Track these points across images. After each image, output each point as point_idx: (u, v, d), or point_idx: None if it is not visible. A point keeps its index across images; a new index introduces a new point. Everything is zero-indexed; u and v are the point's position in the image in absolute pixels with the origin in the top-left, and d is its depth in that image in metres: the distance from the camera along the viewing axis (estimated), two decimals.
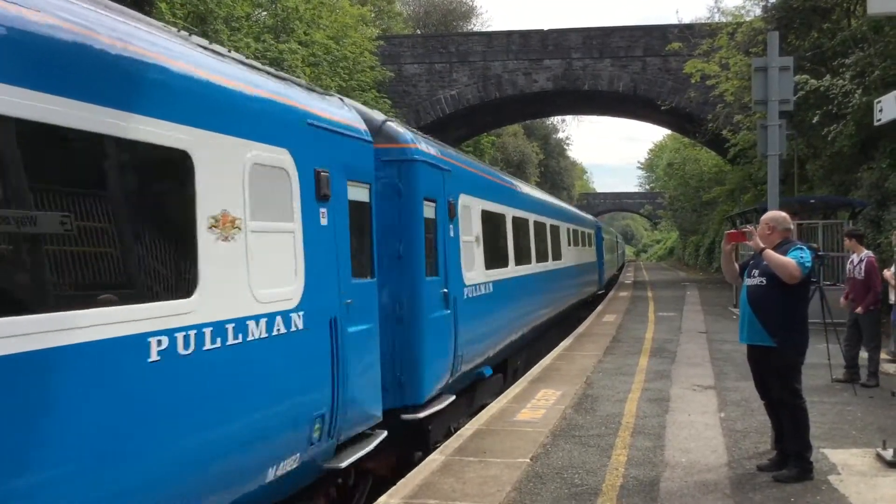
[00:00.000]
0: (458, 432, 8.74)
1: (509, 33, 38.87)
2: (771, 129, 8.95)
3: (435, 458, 7.62)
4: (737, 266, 7.61)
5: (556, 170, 77.91)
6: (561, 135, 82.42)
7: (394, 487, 6.80)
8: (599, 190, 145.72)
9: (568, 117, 75.66)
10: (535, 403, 10.23)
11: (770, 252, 6.94)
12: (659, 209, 79.96)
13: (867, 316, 11.04)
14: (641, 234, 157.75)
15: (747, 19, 26.51)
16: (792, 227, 7.40)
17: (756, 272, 7.14)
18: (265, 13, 30.79)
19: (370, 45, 33.64)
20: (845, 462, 7.30)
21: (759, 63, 8.80)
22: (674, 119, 39.86)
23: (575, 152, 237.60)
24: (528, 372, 12.96)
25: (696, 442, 8.22)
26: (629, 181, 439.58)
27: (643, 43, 37.33)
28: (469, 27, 58.37)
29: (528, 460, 7.55)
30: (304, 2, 30.18)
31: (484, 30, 54.00)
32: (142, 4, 20.10)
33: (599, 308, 26.38)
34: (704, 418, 9.31)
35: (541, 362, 13.95)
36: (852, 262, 11.37)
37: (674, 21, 37.45)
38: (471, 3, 60.87)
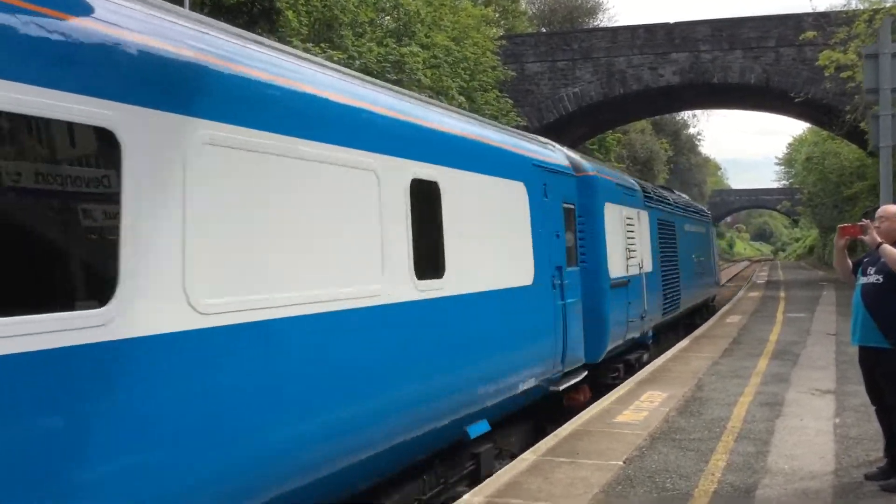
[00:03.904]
0: (554, 432, 8.67)
1: (634, 28, 38.09)
2: (883, 119, 8.39)
3: (525, 458, 7.60)
4: (850, 263, 7.24)
5: (686, 166, 75.76)
6: (692, 130, 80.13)
7: (479, 486, 6.83)
8: (735, 186, 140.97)
9: (699, 112, 73.47)
10: (638, 405, 10.03)
11: (887, 247, 6.56)
12: (798, 205, 76.52)
13: None
14: (781, 231, 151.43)
15: (887, 4, 25.05)
16: None
17: (872, 269, 6.78)
18: (388, 17, 31.31)
19: (491, 46, 33.65)
20: None
21: (870, 50, 8.28)
22: (810, 111, 38.06)
23: (708, 148, 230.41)
24: (636, 373, 12.73)
25: (803, 448, 7.86)
26: (767, 177, 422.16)
27: (776, 33, 35.80)
28: (595, 23, 57.54)
29: (621, 463, 7.42)
30: (426, 4, 30.50)
31: (608, 25, 53.16)
32: (270, 13, 20.87)
33: (725, 308, 25.53)
34: (817, 424, 8.89)
35: (652, 363, 13.68)
36: None
37: (807, 9, 35.57)
38: None
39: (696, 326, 20.67)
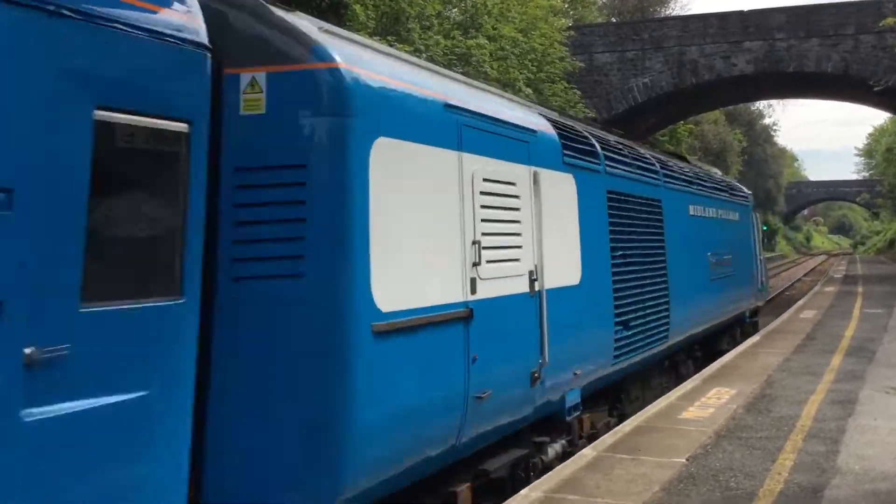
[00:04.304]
0: (616, 428, 8.56)
1: (706, 16, 37.36)
2: None
3: (586, 454, 7.51)
4: None
5: (761, 157, 73.96)
6: (767, 120, 78.20)
7: (538, 480, 6.78)
8: (813, 178, 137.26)
9: (775, 102, 71.62)
10: (704, 402, 9.84)
11: None
12: (878, 197, 74.16)
13: None
14: (861, 224, 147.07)
15: None
16: None
17: None
18: (455, 10, 31.28)
19: (559, 36, 33.33)
20: None
21: None
22: (890, 100, 36.86)
23: (784, 138, 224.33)
24: (703, 369, 12.48)
25: (875, 448, 7.61)
26: (847, 168, 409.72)
27: (855, 20, 34.70)
28: (667, 12, 56.53)
29: (684, 460, 7.28)
30: None
31: (680, 14, 52.22)
32: (338, 7, 21.04)
33: (800, 303, 24.89)
34: (891, 423, 8.60)
35: (720, 360, 13.38)
36: None
37: None
38: None
39: (718, 356, 14.37)
